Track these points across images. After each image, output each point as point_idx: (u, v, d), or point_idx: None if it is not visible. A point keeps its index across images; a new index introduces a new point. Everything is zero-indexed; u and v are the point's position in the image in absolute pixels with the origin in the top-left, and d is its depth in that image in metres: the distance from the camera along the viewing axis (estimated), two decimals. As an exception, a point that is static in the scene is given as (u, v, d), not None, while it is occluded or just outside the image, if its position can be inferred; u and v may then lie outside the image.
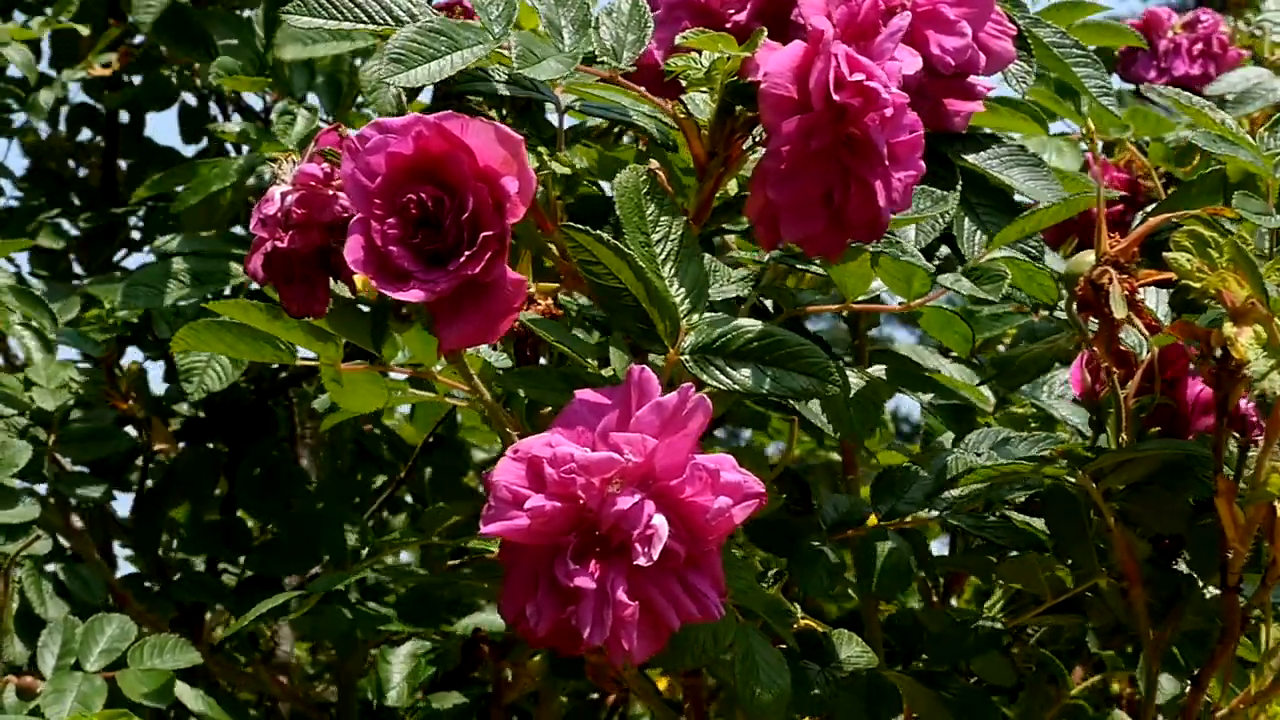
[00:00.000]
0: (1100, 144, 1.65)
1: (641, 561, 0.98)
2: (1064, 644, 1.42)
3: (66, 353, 1.74)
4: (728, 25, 1.15)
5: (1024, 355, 1.18)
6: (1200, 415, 1.21)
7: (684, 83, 1.08)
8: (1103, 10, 1.66)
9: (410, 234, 1.02)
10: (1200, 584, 1.21)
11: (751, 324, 1.06)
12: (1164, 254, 1.08)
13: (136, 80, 2.06)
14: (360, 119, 1.56)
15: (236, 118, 2.02)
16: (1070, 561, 1.24)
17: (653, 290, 1.04)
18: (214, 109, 2.10)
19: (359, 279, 1.08)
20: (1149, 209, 1.16)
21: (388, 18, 1.10)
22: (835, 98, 1.02)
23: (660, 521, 0.99)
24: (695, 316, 1.06)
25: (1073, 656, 1.45)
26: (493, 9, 1.09)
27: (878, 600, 1.38)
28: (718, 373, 1.05)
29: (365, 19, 1.10)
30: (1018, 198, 1.24)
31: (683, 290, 1.06)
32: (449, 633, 1.73)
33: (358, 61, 1.72)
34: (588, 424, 1.02)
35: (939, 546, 1.81)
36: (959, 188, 1.24)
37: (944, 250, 1.31)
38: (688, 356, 1.06)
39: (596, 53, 1.10)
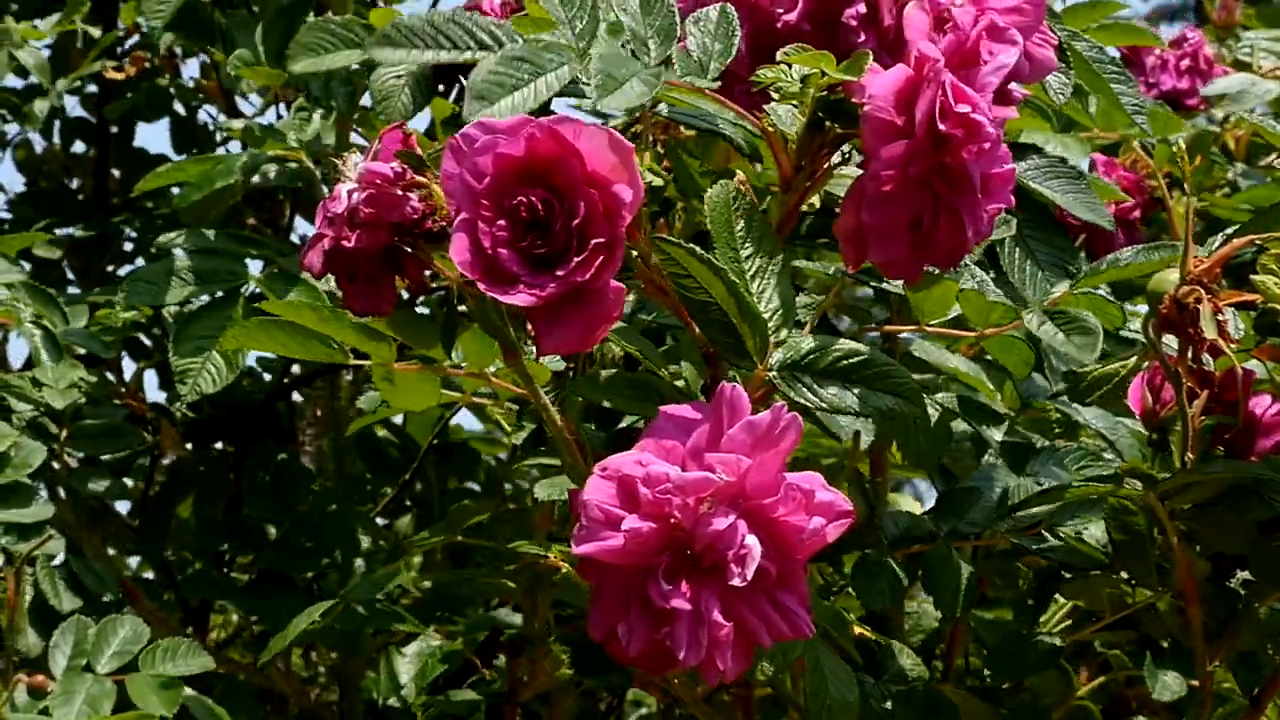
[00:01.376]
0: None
1: (736, 582, 0.98)
2: (1070, 645, 1.42)
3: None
4: (777, 25, 1.13)
5: (1095, 373, 1.17)
6: (1264, 435, 1.20)
7: (775, 95, 1.06)
8: (1121, 9, 1.66)
9: (519, 237, 1.00)
10: (1256, 604, 1.21)
11: (840, 342, 1.05)
12: (1251, 276, 1.07)
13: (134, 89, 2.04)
14: (377, 119, 1.53)
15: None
16: (1129, 577, 1.24)
17: (744, 305, 1.03)
18: (203, 117, 2.11)
19: (454, 275, 1.05)
20: (1231, 230, 1.16)
21: (471, 42, 1.08)
22: (940, 127, 1.01)
23: (754, 542, 0.98)
24: (784, 333, 1.05)
25: (1078, 657, 1.46)
26: (576, 23, 1.06)
27: (903, 608, 1.38)
28: (805, 390, 1.05)
29: (450, 45, 1.08)
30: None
31: (772, 306, 1.05)
32: (455, 632, 1.72)
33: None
34: (677, 440, 1.00)
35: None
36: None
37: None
38: (776, 373, 1.05)
39: (678, 69, 1.08)
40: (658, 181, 1.06)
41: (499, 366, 1.18)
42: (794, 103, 1.06)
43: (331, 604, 1.39)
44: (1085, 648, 1.44)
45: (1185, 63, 1.93)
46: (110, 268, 2.14)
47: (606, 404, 1.12)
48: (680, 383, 1.13)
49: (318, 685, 2.04)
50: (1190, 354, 1.11)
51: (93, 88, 2.16)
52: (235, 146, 2.05)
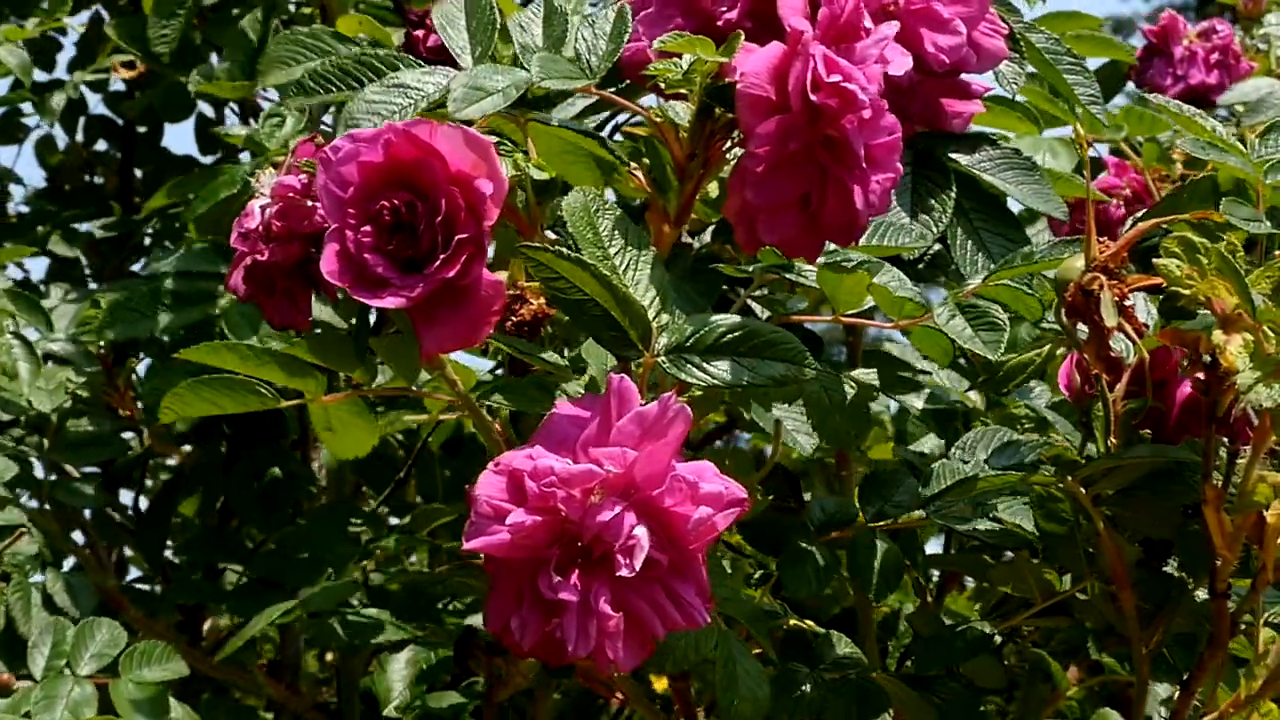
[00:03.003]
0: (1096, 146, 1.64)
1: (624, 572, 0.98)
2: (1058, 644, 1.42)
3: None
4: (719, 23, 1.14)
5: (1011, 362, 1.17)
6: (1188, 416, 1.20)
7: (663, 85, 1.07)
8: (1096, 23, 1.65)
9: (385, 241, 1.02)
10: (1190, 587, 1.20)
11: (722, 318, 1.06)
12: (1154, 260, 1.07)
13: (152, 89, 2.05)
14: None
15: (230, 120, 2.02)
16: (1059, 565, 1.23)
17: (619, 295, 1.04)
18: (230, 119, 2.10)
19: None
20: (1139, 214, 1.15)
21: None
22: (812, 99, 1.02)
23: (642, 532, 0.99)
24: (665, 317, 1.06)
25: (1068, 656, 1.45)
26: (476, 48, 1.10)
27: (870, 603, 1.37)
28: (695, 369, 1.05)
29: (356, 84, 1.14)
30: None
31: (649, 293, 1.06)
32: (447, 635, 1.73)
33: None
34: (569, 435, 1.02)
35: (934, 545, 1.80)
36: (953, 192, 1.24)
37: (936, 246, 1.31)
38: (663, 357, 1.05)
39: (542, 71, 1.10)
40: (543, 176, 1.07)
41: (427, 379, 1.20)
42: (682, 90, 1.07)
43: (290, 605, 1.41)
44: (1076, 647, 1.43)
45: (1215, 56, 1.88)
46: (130, 264, 2.15)
47: (515, 407, 1.12)
48: (584, 380, 1.14)
49: (332, 686, 2.06)
50: (1098, 340, 1.11)
51: (120, 86, 2.17)
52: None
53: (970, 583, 1.73)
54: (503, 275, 1.02)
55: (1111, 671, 1.38)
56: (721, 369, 1.05)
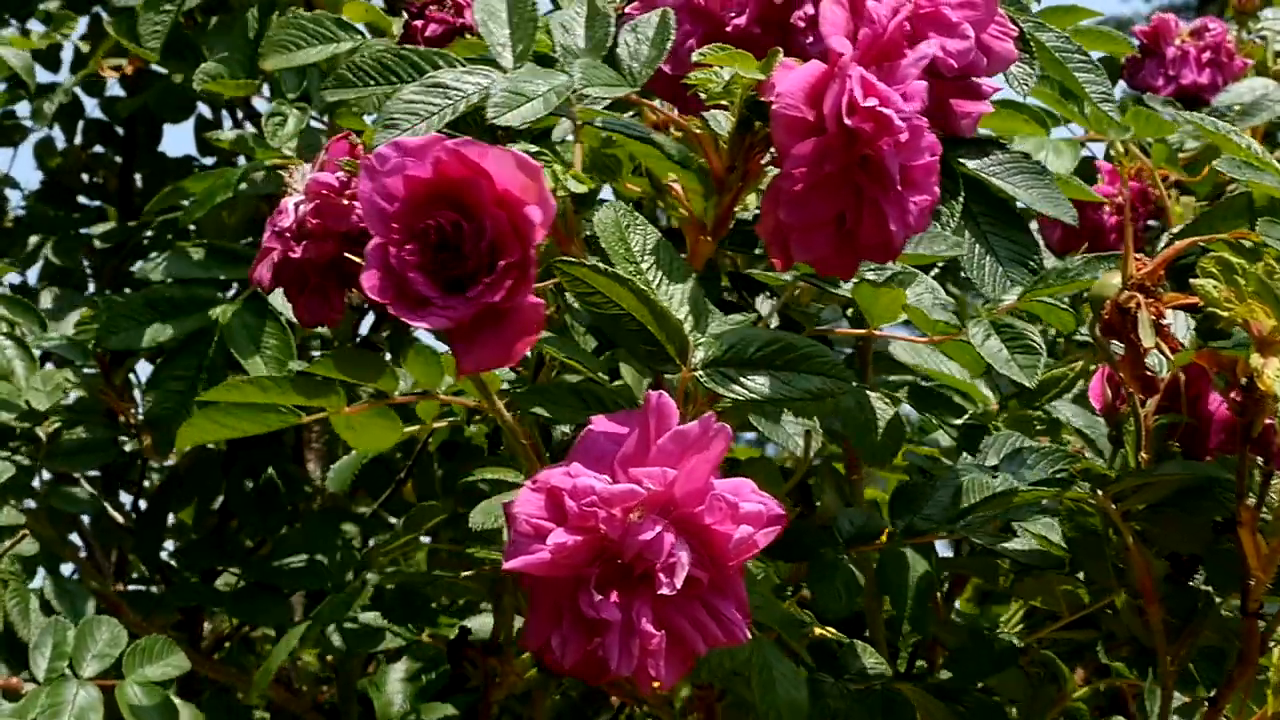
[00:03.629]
0: (1103, 148, 1.63)
1: (665, 591, 0.98)
2: (1064, 644, 1.42)
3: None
4: (728, 29, 1.13)
5: (1044, 376, 1.17)
6: (1220, 432, 1.20)
7: (703, 97, 1.07)
8: (1094, 16, 1.65)
9: (429, 260, 1.00)
10: (1218, 602, 1.21)
11: (758, 331, 1.05)
12: (1191, 280, 1.07)
13: (149, 90, 2.04)
14: (353, 119, 1.53)
15: (228, 124, 2.01)
16: (1087, 578, 1.24)
17: (656, 310, 1.03)
18: (229, 120, 2.09)
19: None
20: (1175, 230, 1.15)
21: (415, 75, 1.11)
22: (848, 122, 1.01)
23: (683, 551, 0.99)
24: (700, 333, 1.05)
25: (1073, 657, 1.45)
26: (518, 45, 1.08)
27: (881, 605, 1.38)
28: (733, 384, 1.05)
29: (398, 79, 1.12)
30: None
31: (684, 307, 1.06)
32: (446, 637, 1.72)
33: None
34: (606, 452, 1.01)
35: (941, 546, 1.80)
36: (962, 197, 1.23)
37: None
38: (701, 372, 1.05)
39: (584, 78, 1.09)
40: (581, 189, 1.06)
41: (449, 384, 1.19)
42: (723, 103, 1.06)
43: (306, 627, 1.40)
44: (1081, 649, 1.44)
45: (1207, 55, 1.87)
46: (129, 265, 2.14)
47: (547, 415, 1.12)
48: (619, 384, 1.14)
49: (334, 685, 2.06)
50: (1133, 358, 1.11)
51: (117, 89, 2.16)
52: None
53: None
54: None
55: (1119, 675, 1.39)
56: (759, 383, 1.04)
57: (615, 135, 1.09)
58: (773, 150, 1.09)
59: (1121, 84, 1.89)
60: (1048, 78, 1.36)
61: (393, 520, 1.90)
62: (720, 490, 1.00)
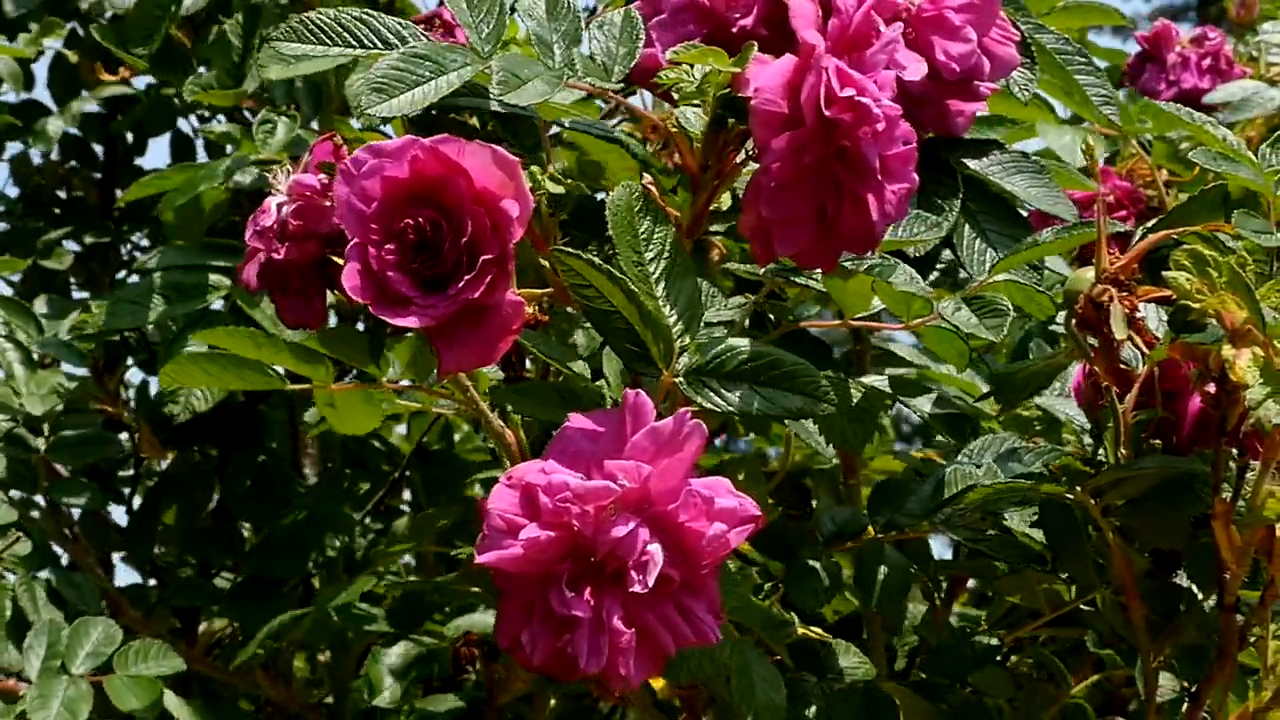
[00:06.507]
0: (1102, 148, 1.63)
1: (637, 588, 0.98)
2: (1063, 643, 1.42)
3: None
4: (734, 29, 1.13)
5: (1024, 371, 1.17)
6: (1199, 429, 1.20)
7: (676, 95, 1.07)
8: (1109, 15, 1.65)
9: (408, 259, 1.01)
10: (1199, 598, 1.20)
11: (745, 344, 1.05)
12: (1163, 273, 1.06)
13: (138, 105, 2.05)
14: (344, 125, 1.54)
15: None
16: (1068, 575, 1.23)
17: (646, 313, 1.03)
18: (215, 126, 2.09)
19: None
20: (1150, 224, 1.15)
21: (376, 40, 1.09)
22: (826, 113, 1.01)
23: (655, 548, 0.99)
24: (689, 338, 1.05)
25: (1072, 655, 1.45)
26: (483, 27, 1.07)
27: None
28: (712, 394, 1.05)
29: (354, 43, 1.09)
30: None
31: (676, 312, 1.05)
32: (440, 634, 1.73)
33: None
34: (582, 449, 1.01)
35: (940, 548, 1.80)
36: (960, 195, 1.23)
37: (946, 254, 1.30)
38: (682, 379, 1.05)
39: (580, 69, 1.09)
40: (559, 190, 1.06)
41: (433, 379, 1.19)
42: (695, 102, 1.06)
43: (305, 612, 1.40)
44: (1078, 646, 1.43)
45: (1207, 61, 1.90)
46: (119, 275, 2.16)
47: (531, 414, 1.12)
48: (601, 384, 1.14)
49: (323, 688, 2.06)
50: (1108, 352, 1.11)
51: (92, 106, 2.15)
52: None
53: (971, 583, 1.73)
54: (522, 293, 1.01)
55: (1113, 665, 1.38)
56: (736, 397, 1.04)
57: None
58: (747, 148, 1.10)
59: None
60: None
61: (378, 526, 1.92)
62: (695, 486, 1.00)
